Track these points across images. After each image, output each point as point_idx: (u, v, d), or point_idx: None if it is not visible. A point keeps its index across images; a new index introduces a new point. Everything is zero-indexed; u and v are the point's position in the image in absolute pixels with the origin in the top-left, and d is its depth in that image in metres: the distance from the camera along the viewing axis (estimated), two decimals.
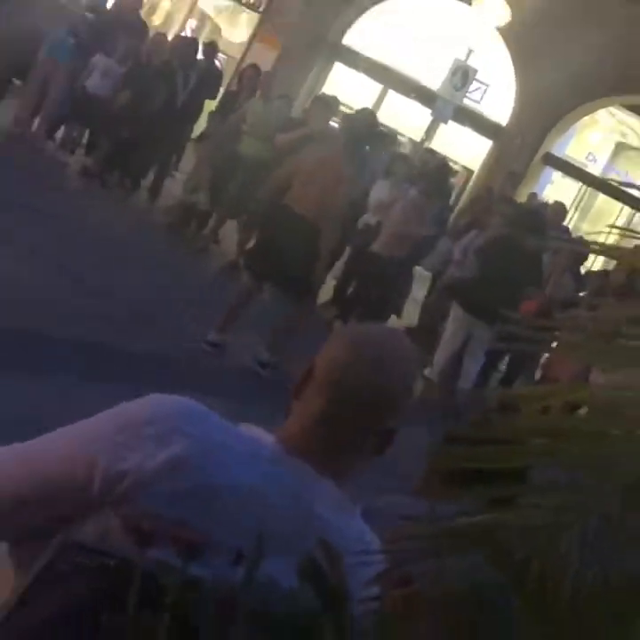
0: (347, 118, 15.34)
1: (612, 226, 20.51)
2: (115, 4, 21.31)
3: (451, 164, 24.24)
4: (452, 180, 22.94)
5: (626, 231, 2.43)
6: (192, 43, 21.30)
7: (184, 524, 2.62)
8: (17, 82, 19.85)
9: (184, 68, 19.59)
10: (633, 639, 1.92)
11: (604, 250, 2.23)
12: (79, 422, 2.88)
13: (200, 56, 20.55)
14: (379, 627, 2.19)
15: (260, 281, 12.19)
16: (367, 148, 17.85)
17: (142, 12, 22.08)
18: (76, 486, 2.74)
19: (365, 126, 13.21)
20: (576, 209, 26.53)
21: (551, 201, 22.93)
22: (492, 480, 2.03)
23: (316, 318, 14.89)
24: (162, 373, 9.65)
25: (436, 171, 19.92)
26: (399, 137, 26.60)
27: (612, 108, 28.52)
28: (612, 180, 28.21)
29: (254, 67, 20.99)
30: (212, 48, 21.44)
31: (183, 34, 24.35)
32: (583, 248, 16.56)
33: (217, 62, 21.28)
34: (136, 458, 2.72)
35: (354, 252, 18.47)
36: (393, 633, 2.19)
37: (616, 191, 27.13)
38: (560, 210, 19.01)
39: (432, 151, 23.95)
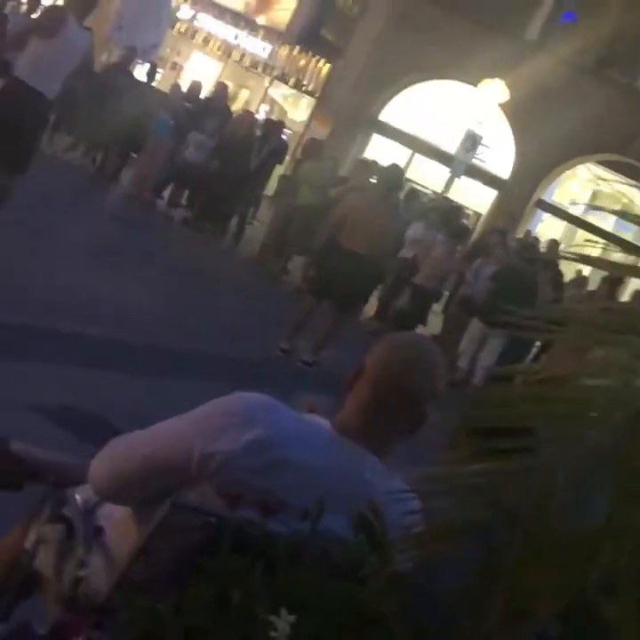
0: (380, 172, 15.37)
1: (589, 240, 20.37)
2: (206, 95, 21.35)
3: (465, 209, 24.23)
4: (465, 221, 22.82)
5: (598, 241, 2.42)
6: (266, 122, 21.37)
7: (263, 490, 2.66)
8: (134, 155, 19.93)
9: (259, 141, 19.61)
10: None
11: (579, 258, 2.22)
12: (182, 415, 2.94)
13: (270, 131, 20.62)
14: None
15: (319, 301, 12.24)
16: (400, 196, 18.04)
17: (228, 99, 22.10)
18: (179, 465, 2.81)
19: (394, 178, 13.22)
20: (561, 242, 26.38)
21: (543, 237, 22.91)
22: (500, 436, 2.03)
23: (360, 329, 14.94)
24: (247, 373, 9.64)
25: (455, 215, 20.14)
26: (424, 189, 26.56)
27: (588, 164, 28.33)
28: (588, 221, 28.05)
29: (313, 139, 21.01)
30: (279, 125, 21.44)
31: (257, 116, 24.30)
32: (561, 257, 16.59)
33: (284, 137, 21.23)
34: (224, 441, 2.77)
35: (395, 279, 18.51)
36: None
37: (592, 228, 27.12)
38: (553, 245, 19.09)
39: (449, 199, 23.86)
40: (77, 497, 3.22)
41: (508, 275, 15.46)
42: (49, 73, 9.70)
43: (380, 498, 2.51)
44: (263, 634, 1.89)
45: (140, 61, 21.41)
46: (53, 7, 9.69)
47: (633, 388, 1.98)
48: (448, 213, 20.06)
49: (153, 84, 21.57)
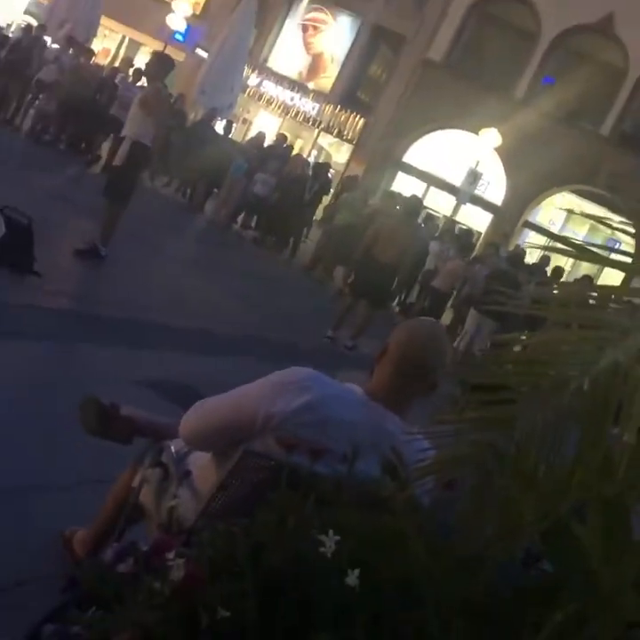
0: (403, 201, 15.46)
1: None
2: (269, 143, 21.39)
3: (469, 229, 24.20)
4: (473, 239, 22.75)
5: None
6: (315, 165, 21.41)
7: (311, 440, 2.65)
8: (215, 190, 20.02)
9: (310, 179, 19.63)
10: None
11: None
12: (250, 383, 2.96)
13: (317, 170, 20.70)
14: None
15: (357, 299, 12.31)
16: (420, 221, 18.14)
17: (286, 146, 22.09)
18: (247, 422, 2.82)
19: (414, 205, 13.32)
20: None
21: (530, 250, 22.83)
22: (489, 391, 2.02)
23: (389, 321, 14.95)
24: (301, 354, 9.64)
25: (464, 235, 20.29)
26: (436, 214, 26.48)
27: (563, 193, 28.17)
28: (566, 236, 27.94)
29: (349, 176, 20.98)
30: (326, 167, 21.43)
31: (308, 158, 24.30)
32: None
33: (329, 174, 21.19)
34: (282, 403, 2.79)
35: (421, 288, 18.77)
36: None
37: (568, 243, 26.89)
38: (546, 259, 19.04)
39: (457, 222, 23.83)
40: (172, 447, 3.24)
41: (497, 276, 15.58)
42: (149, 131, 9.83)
43: (400, 445, 2.50)
44: (315, 549, 1.87)
45: (219, 118, 21.44)
46: (157, 91, 9.73)
47: (596, 354, 1.95)
48: (458, 234, 20.15)
49: (229, 135, 21.64)
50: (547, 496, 1.97)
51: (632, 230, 2.36)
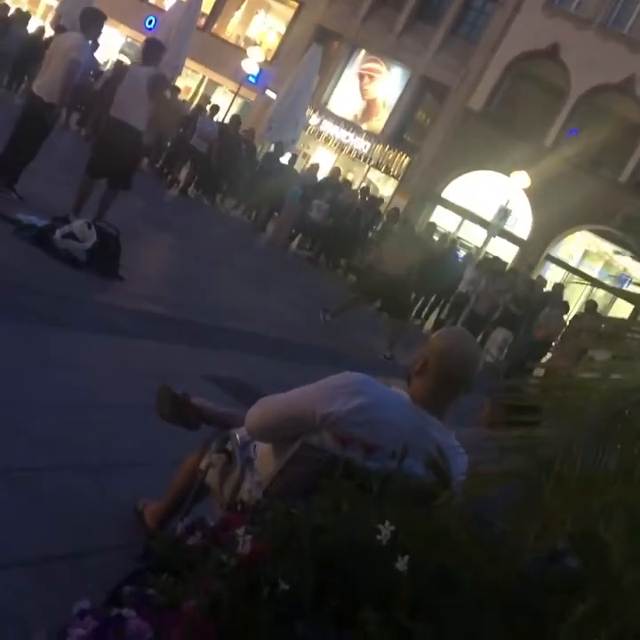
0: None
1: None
2: (325, 176, 21.38)
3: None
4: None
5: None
6: (370, 198, 21.42)
7: (363, 438, 2.61)
8: (275, 214, 20.07)
9: (363, 209, 19.66)
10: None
11: None
12: (310, 385, 2.94)
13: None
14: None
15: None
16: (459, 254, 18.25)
17: (340, 179, 22.09)
18: (305, 419, 2.80)
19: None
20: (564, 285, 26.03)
21: (551, 280, 22.69)
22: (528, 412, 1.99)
23: (421, 337, 14.87)
24: (346, 361, 9.57)
25: (498, 265, 20.19)
26: (469, 244, 26.36)
27: (583, 231, 27.94)
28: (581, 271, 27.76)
29: (396, 209, 20.92)
30: (374, 199, 21.45)
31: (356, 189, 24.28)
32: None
33: (379, 207, 21.21)
34: (338, 404, 2.75)
35: (452, 305, 18.68)
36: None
37: (585, 276, 26.93)
38: (559, 288, 18.77)
39: (488, 254, 23.69)
40: (237, 435, 3.22)
41: (518, 300, 15.94)
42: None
43: (443, 449, 2.47)
44: (372, 536, 1.84)
45: (286, 152, 21.56)
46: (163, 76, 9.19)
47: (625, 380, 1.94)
48: (491, 263, 20.05)
49: (294, 166, 21.72)
50: (579, 502, 1.93)
51: None
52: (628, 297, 2.20)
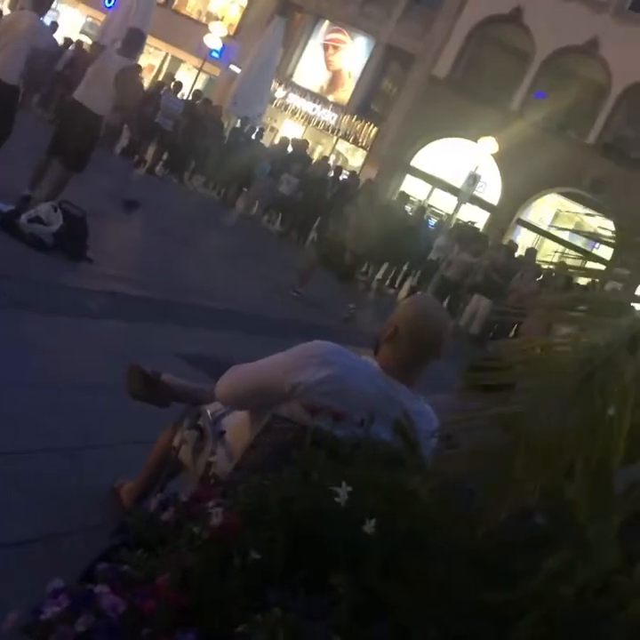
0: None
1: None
2: (292, 147, 21.23)
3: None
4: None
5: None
6: (333, 167, 21.31)
7: (333, 406, 2.63)
8: (245, 189, 19.97)
9: (331, 180, 19.61)
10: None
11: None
12: (280, 353, 2.93)
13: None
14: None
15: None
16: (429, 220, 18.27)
17: (308, 151, 22.03)
18: (275, 388, 2.80)
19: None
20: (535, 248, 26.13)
21: (522, 244, 22.81)
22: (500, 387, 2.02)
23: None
24: (317, 332, 9.59)
25: (473, 231, 20.17)
26: (440, 211, 26.38)
27: (552, 194, 28.06)
28: (552, 233, 27.85)
29: (368, 180, 20.88)
30: (341, 169, 21.41)
31: (329, 162, 24.18)
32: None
33: (345, 177, 21.15)
34: (307, 374, 2.76)
35: (422, 273, 18.68)
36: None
37: (554, 238, 27.06)
38: (533, 252, 18.86)
39: (459, 220, 23.73)
40: (208, 411, 3.23)
41: (496, 268, 15.92)
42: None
43: (411, 415, 2.49)
44: (330, 499, 1.87)
45: (252, 126, 21.41)
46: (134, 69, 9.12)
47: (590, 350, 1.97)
48: (463, 229, 20.05)
49: (261, 141, 21.59)
50: (544, 460, 1.97)
51: (609, 229, 2.37)
52: (598, 260, 2.23)
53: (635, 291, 2.04)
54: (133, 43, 9.29)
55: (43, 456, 3.99)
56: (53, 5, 9.21)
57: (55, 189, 8.95)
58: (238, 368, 3.04)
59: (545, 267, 18.83)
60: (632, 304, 2.02)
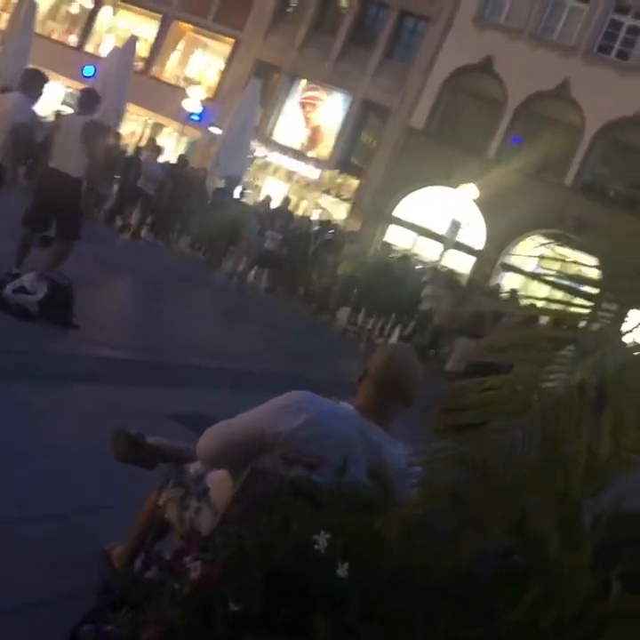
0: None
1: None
2: (276, 207, 21.43)
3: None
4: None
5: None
6: (319, 222, 21.48)
7: (310, 453, 2.68)
8: (231, 248, 20.09)
9: (314, 235, 19.77)
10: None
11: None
12: (255, 408, 3.00)
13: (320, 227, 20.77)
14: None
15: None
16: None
17: (291, 207, 22.24)
18: (256, 440, 2.86)
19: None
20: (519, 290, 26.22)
21: (507, 287, 22.96)
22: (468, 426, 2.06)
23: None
24: (306, 387, 9.60)
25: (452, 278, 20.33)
26: (425, 259, 26.58)
27: (534, 236, 28.26)
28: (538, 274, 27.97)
29: (352, 232, 21.09)
30: (328, 223, 21.59)
31: (311, 218, 24.38)
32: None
33: (330, 231, 21.34)
34: (284, 424, 2.82)
35: (416, 323, 18.71)
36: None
37: (542, 280, 27.13)
38: (513, 293, 19.01)
39: (443, 266, 23.88)
40: (191, 469, 3.27)
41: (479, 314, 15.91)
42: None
43: (385, 455, 2.53)
44: (311, 547, 1.91)
45: (238, 187, 21.64)
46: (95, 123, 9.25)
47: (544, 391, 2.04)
48: (447, 278, 20.20)
49: (243, 200, 21.79)
50: (511, 499, 2.01)
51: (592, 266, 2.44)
52: (583, 297, 2.29)
53: (619, 329, 2.10)
54: (85, 101, 9.49)
55: (37, 523, 4.02)
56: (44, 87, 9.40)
57: (55, 261, 9.00)
58: (216, 427, 3.10)
59: (530, 309, 18.82)
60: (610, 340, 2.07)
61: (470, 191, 25.59)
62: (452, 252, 25.90)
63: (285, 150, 32.12)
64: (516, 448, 2.01)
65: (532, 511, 2.07)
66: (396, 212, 29.85)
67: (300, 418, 2.81)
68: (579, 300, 2.30)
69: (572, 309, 2.32)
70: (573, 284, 2.38)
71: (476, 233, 28.05)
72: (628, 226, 2.58)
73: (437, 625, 1.93)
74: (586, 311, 2.27)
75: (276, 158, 32.19)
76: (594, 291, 2.30)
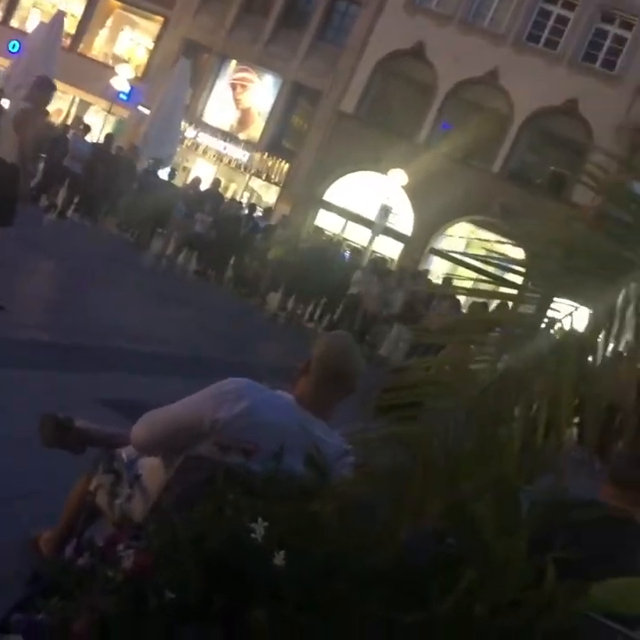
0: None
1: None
2: (207, 188, 21.25)
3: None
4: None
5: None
6: (247, 204, 21.35)
7: (247, 441, 2.66)
8: (160, 230, 19.86)
9: (245, 217, 19.68)
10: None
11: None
12: (193, 395, 2.96)
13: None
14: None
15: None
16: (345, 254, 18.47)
17: (220, 189, 22.06)
18: (194, 427, 2.82)
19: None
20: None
21: (435, 273, 23.20)
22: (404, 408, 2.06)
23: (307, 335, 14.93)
24: (238, 371, 9.57)
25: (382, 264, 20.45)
26: (355, 245, 26.62)
27: (462, 222, 28.54)
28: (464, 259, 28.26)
29: (285, 216, 21.02)
30: (254, 206, 21.51)
31: (242, 200, 24.26)
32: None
33: (258, 213, 21.29)
34: (223, 411, 2.79)
35: (344, 307, 18.71)
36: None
37: (468, 266, 27.42)
38: (447, 280, 19.28)
39: (373, 252, 23.97)
40: (123, 454, 3.22)
41: (412, 299, 15.86)
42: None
43: (323, 444, 2.52)
44: (247, 535, 1.89)
45: (164, 167, 21.35)
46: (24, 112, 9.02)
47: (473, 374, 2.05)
48: (377, 263, 20.30)
49: (172, 181, 21.55)
50: (447, 482, 2.02)
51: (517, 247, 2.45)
52: (508, 285, 2.31)
53: (544, 314, 2.12)
54: (33, 88, 9.26)
55: None
56: None
57: None
58: (153, 413, 3.05)
59: (459, 293, 19.05)
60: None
61: (399, 176, 25.70)
62: (382, 238, 26.02)
63: (215, 132, 31.87)
64: (447, 430, 2.02)
65: (467, 495, 2.07)
66: (327, 197, 29.87)
67: (240, 405, 2.79)
68: (506, 285, 2.32)
69: (502, 291, 2.34)
70: (500, 270, 2.40)
71: (405, 219, 28.22)
72: (553, 212, 2.62)
73: (372, 610, 1.93)
74: (513, 293, 2.29)
75: (205, 140, 31.90)
76: (519, 275, 2.31)
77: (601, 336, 1.98)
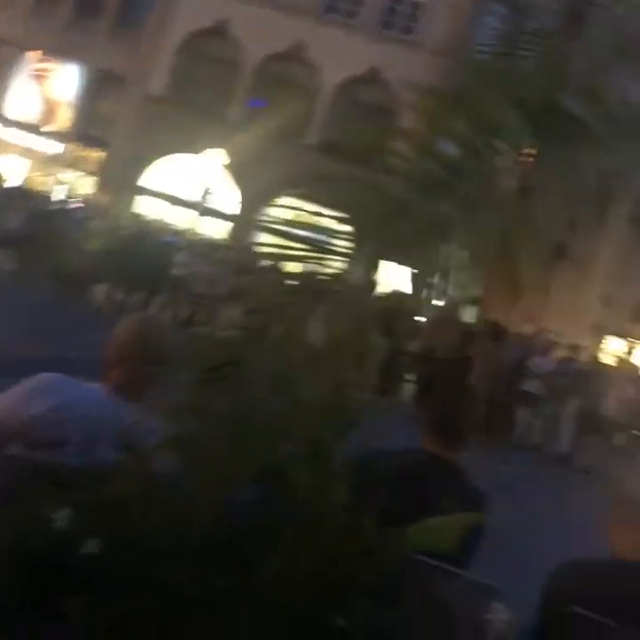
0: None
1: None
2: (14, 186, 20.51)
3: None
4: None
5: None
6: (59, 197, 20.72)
7: (58, 434, 2.61)
8: None
9: (59, 211, 19.12)
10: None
11: None
12: (5, 392, 2.87)
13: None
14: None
15: None
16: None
17: (33, 184, 21.36)
18: (7, 428, 2.74)
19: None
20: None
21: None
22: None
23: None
24: (60, 368, 9.29)
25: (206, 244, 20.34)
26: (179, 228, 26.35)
27: (288, 197, 28.77)
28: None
29: (99, 206, 20.50)
30: (67, 199, 20.97)
31: (55, 194, 23.56)
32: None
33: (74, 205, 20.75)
34: (34, 407, 2.73)
35: (171, 291, 18.44)
36: None
37: (294, 239, 27.78)
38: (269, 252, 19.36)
39: (197, 233, 23.75)
40: None
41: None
42: None
43: (133, 429, 2.49)
44: (50, 525, 1.84)
45: None
46: None
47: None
48: (201, 244, 20.18)
49: None
50: (261, 445, 2.02)
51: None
52: (333, 253, 2.33)
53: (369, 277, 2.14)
54: None
55: None
56: None
57: None
58: None
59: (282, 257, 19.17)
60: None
61: (217, 156, 25.62)
62: (208, 219, 25.92)
63: (20, 126, 30.77)
64: (250, 392, 2.03)
65: (281, 456, 2.08)
66: (144, 183, 29.41)
67: (49, 401, 2.74)
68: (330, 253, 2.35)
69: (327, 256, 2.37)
70: (327, 237, 2.45)
71: (229, 198, 28.14)
72: (362, 178, 2.67)
73: (186, 582, 1.90)
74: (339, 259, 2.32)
75: (10, 134, 30.77)
76: (346, 241, 2.35)
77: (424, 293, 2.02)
